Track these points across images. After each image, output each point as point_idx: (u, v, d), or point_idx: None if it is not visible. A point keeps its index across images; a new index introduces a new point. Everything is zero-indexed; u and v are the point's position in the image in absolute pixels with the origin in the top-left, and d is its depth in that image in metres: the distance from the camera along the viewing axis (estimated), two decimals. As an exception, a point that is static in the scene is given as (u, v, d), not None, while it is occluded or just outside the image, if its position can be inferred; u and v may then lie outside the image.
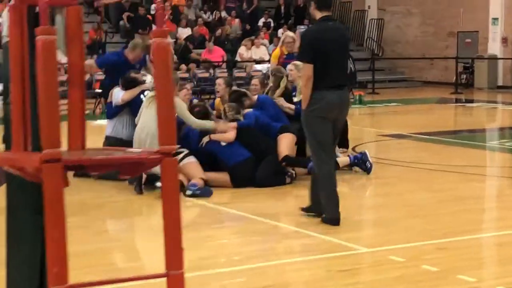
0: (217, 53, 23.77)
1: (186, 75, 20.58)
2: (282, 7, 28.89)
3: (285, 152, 9.37)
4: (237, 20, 26.84)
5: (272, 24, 27.55)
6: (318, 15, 7.37)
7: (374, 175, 9.97)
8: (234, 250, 6.70)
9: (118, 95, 9.90)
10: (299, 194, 8.81)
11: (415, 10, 28.27)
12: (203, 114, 9.44)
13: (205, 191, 8.71)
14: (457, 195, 8.88)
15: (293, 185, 9.35)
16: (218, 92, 10.56)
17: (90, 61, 11.30)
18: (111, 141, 9.78)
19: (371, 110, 19.60)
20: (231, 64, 24.03)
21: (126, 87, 9.91)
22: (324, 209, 7.32)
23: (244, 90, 10.50)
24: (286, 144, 9.46)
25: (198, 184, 8.69)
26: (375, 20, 29.04)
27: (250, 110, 9.71)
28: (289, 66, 10.19)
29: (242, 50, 24.49)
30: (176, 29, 25.15)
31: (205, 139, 9.22)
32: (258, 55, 24.41)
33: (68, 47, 3.74)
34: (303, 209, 7.68)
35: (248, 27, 26.86)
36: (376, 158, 11.08)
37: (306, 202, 8.29)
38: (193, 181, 8.73)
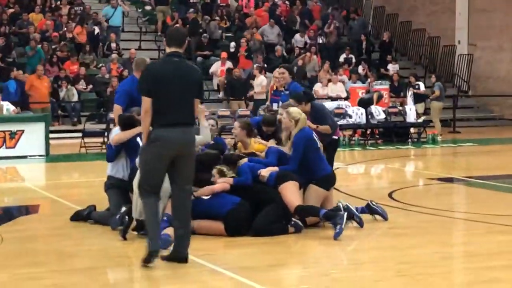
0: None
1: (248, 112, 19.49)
2: (364, 43, 28.05)
3: (296, 202, 8.60)
4: (314, 56, 26.16)
5: (353, 60, 26.74)
6: (167, 50, 7.24)
7: (391, 223, 9.01)
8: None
9: (112, 136, 9.15)
10: (293, 245, 8.09)
11: (507, 45, 26.92)
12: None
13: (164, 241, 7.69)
14: (469, 251, 7.87)
15: (297, 235, 8.53)
16: (236, 136, 9.78)
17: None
18: (112, 181, 9.15)
19: (440, 150, 18.42)
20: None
21: (122, 127, 8.97)
22: (149, 241, 7.04)
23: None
24: (292, 193, 8.68)
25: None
26: (465, 56, 27.81)
27: (245, 161, 8.99)
28: (280, 111, 9.34)
29: (317, 87, 23.76)
30: (252, 65, 24.75)
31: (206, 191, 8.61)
32: (335, 92, 23.64)
33: None
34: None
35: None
36: (406, 205, 10.18)
37: (297, 254, 7.60)
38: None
